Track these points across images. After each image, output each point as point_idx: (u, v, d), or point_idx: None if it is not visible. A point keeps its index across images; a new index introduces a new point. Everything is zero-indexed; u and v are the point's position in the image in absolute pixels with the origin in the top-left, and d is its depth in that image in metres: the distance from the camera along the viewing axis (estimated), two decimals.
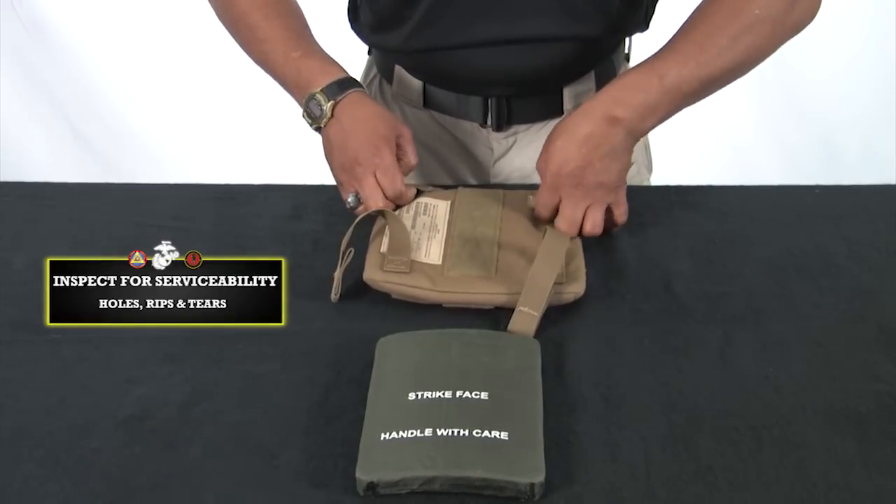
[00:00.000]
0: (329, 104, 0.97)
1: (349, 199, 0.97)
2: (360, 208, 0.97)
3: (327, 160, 1.00)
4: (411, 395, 0.76)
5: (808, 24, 0.97)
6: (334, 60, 1.02)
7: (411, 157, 0.99)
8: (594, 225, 0.94)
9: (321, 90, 0.98)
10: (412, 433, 0.73)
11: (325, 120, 0.98)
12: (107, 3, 2.24)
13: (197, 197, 1.10)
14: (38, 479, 0.74)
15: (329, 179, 1.02)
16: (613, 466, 0.73)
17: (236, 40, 1.07)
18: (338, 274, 0.91)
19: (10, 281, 0.96)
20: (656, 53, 0.93)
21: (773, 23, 0.92)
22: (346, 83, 0.99)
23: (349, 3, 1.14)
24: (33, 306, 0.92)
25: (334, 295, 0.91)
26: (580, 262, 0.92)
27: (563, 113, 1.11)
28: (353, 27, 1.14)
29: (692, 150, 2.16)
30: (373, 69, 1.20)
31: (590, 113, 0.91)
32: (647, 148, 1.24)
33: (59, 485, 0.73)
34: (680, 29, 0.94)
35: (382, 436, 0.73)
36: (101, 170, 2.35)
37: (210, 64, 2.23)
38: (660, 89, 0.90)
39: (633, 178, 1.21)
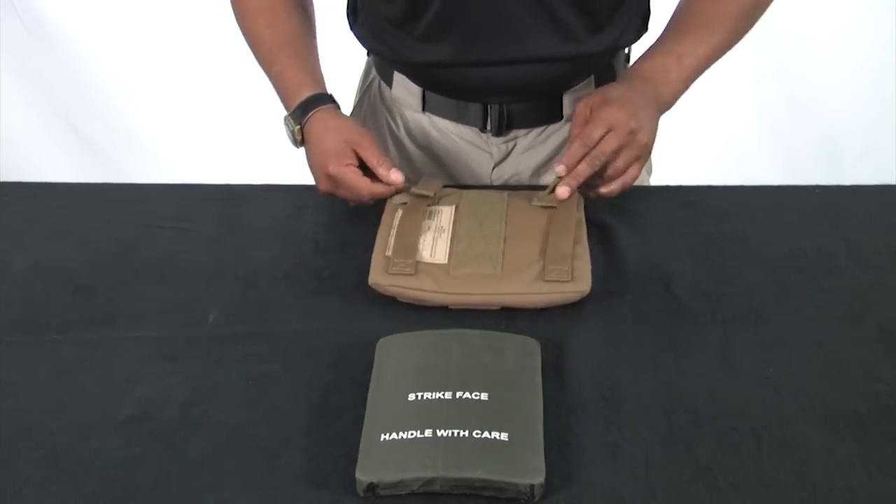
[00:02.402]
0: (297, 129, 1.02)
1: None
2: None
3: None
4: (411, 396, 0.76)
5: None
6: (308, 73, 1.04)
7: (373, 162, 0.98)
8: (633, 179, 0.97)
9: (289, 115, 1.02)
10: (412, 434, 0.73)
11: (297, 143, 1.03)
12: (107, 3, 2.24)
13: (197, 197, 1.10)
14: (38, 479, 0.74)
15: None
16: (613, 467, 0.73)
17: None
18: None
19: (10, 281, 0.96)
20: (664, 34, 1.02)
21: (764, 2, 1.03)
22: (310, 103, 1.02)
23: (348, 5, 1.13)
24: (33, 307, 0.93)
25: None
26: (585, 261, 0.91)
27: (562, 118, 1.11)
28: (352, 29, 1.14)
29: (692, 150, 2.16)
30: (372, 71, 1.19)
31: (630, 87, 0.98)
32: None
33: (59, 485, 0.73)
34: (681, 7, 1.03)
35: (382, 436, 0.73)
36: (101, 170, 2.35)
37: (210, 64, 2.23)
38: (678, 67, 1.00)
39: None
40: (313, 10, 1.11)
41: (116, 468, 0.74)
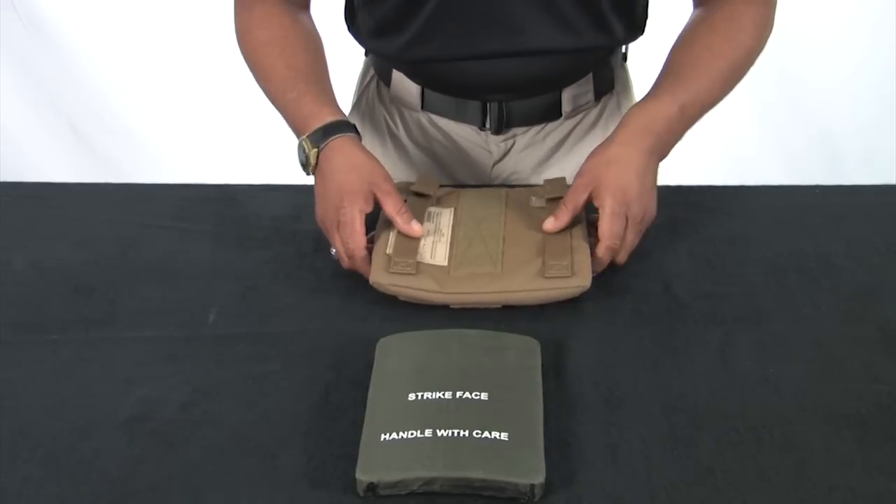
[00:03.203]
0: (313, 152, 0.95)
1: (332, 251, 0.95)
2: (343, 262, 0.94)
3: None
4: (411, 396, 0.76)
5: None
6: (329, 100, 0.99)
7: (391, 210, 0.93)
8: (627, 252, 0.94)
9: (307, 137, 0.96)
10: (412, 434, 0.73)
11: (310, 168, 0.96)
12: (107, 2, 2.24)
13: (197, 197, 1.10)
14: (38, 479, 0.74)
15: None
16: (614, 467, 0.73)
17: (248, 69, 1.06)
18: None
19: (11, 281, 0.96)
20: (667, 80, 0.98)
21: (755, 50, 1.01)
22: (333, 128, 0.95)
23: (346, 5, 1.13)
24: (33, 307, 0.93)
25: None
26: (585, 256, 0.91)
27: (561, 115, 1.11)
28: (349, 30, 1.13)
29: (692, 150, 2.15)
30: (370, 71, 1.19)
31: (630, 142, 0.94)
32: None
33: (59, 486, 0.73)
34: (679, 52, 1.00)
35: (382, 436, 0.73)
36: (101, 170, 2.35)
37: (210, 64, 2.23)
38: (680, 118, 0.96)
39: None
40: (322, 44, 1.08)
41: (116, 468, 0.74)
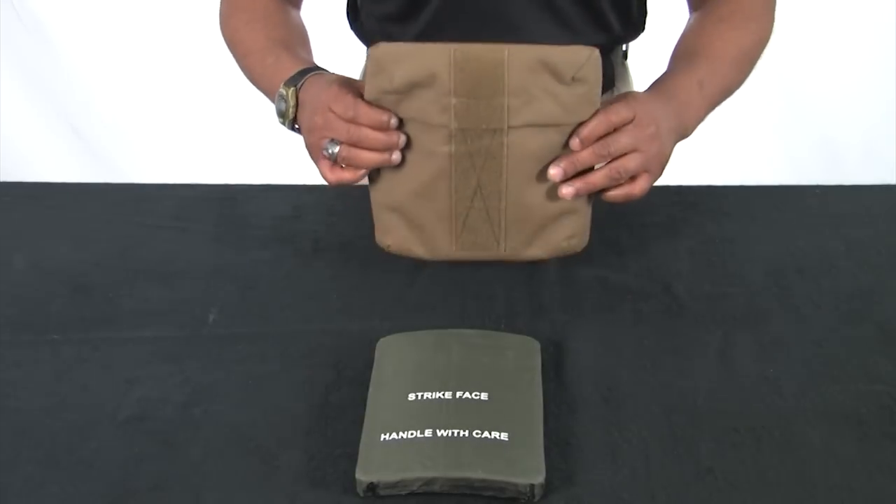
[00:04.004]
0: (291, 91, 0.90)
1: (327, 148, 0.87)
2: (341, 152, 0.86)
3: (306, 147, 0.92)
4: (411, 396, 0.76)
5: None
6: (309, 60, 0.97)
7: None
8: (641, 192, 0.88)
9: (283, 84, 0.92)
10: (412, 434, 0.73)
11: (291, 109, 0.91)
12: (107, 2, 2.24)
13: (197, 197, 1.10)
14: (38, 479, 0.74)
15: None
16: (613, 467, 0.73)
17: (231, 54, 1.05)
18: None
19: (10, 281, 0.96)
20: (680, 60, 0.97)
21: (764, 41, 1.01)
22: (309, 70, 0.92)
23: (348, 2, 1.14)
24: (33, 307, 0.93)
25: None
26: (585, 217, 0.90)
27: None
28: (352, 26, 1.14)
29: (692, 150, 2.15)
30: None
31: (660, 104, 0.89)
32: None
33: (59, 485, 0.73)
34: (688, 38, 0.99)
35: (382, 436, 0.73)
36: (101, 170, 2.35)
37: (210, 64, 2.22)
38: (699, 93, 0.93)
39: None
40: (306, 30, 1.08)
41: (116, 468, 0.74)
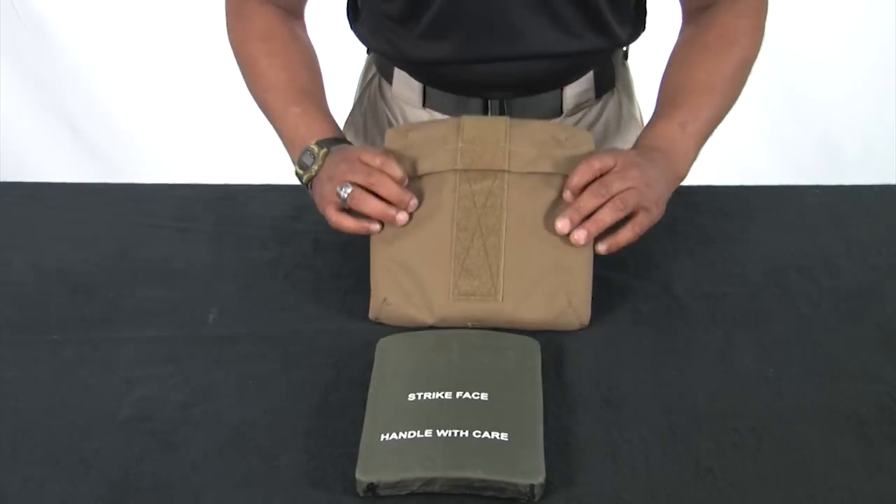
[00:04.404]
0: (322, 152, 0.95)
1: (341, 191, 0.89)
2: (354, 193, 0.89)
3: (316, 201, 0.95)
4: (411, 396, 0.76)
5: None
6: (332, 119, 1.02)
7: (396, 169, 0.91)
8: (627, 240, 0.90)
9: (316, 142, 0.96)
10: (412, 434, 0.73)
11: (315, 166, 0.95)
12: (107, 2, 2.24)
13: (197, 197, 1.10)
14: (38, 479, 0.74)
15: None
16: (613, 467, 0.73)
17: (243, 76, 1.07)
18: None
19: (10, 281, 0.96)
20: (663, 106, 0.99)
21: (751, 60, 1.02)
22: (341, 141, 0.99)
23: (348, 3, 1.14)
24: (33, 307, 0.93)
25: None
26: (586, 290, 0.89)
27: (562, 112, 1.11)
28: (352, 27, 1.14)
29: None
30: (372, 68, 1.20)
31: (645, 154, 0.93)
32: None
33: (59, 485, 0.73)
34: (673, 74, 1.01)
35: (382, 437, 0.73)
36: (101, 170, 2.35)
37: (210, 64, 2.22)
38: (682, 134, 0.96)
39: None
40: (317, 59, 1.09)
41: (116, 468, 0.74)
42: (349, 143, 1.00)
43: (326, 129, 0.99)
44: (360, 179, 0.90)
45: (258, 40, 1.05)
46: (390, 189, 0.89)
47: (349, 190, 0.89)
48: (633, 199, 0.88)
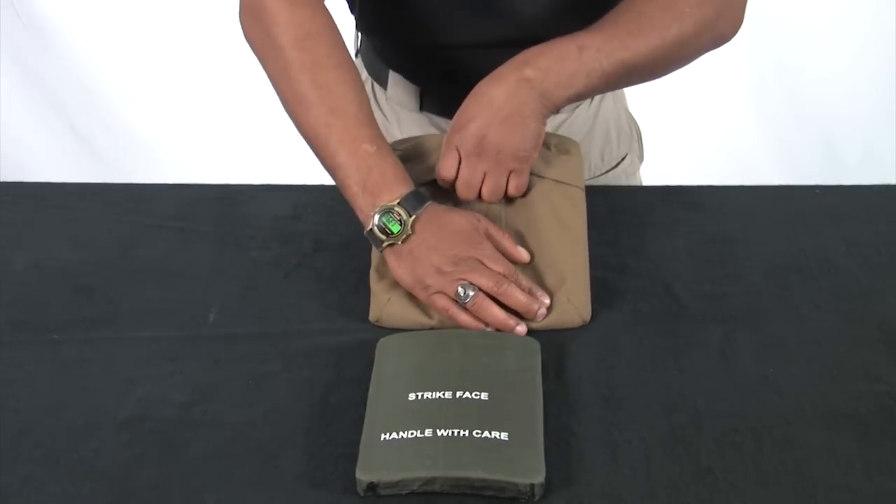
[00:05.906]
0: (411, 220, 0.86)
1: (462, 292, 0.84)
2: (478, 300, 0.85)
3: (397, 273, 0.88)
4: (411, 396, 0.76)
5: (729, 40, 0.95)
6: (399, 160, 0.90)
7: (507, 244, 0.90)
8: (491, 191, 0.91)
9: (399, 203, 0.86)
10: (412, 434, 0.73)
11: (404, 236, 0.86)
12: (107, 2, 2.24)
13: (197, 197, 1.10)
14: (38, 479, 0.74)
15: (329, 180, 1.01)
16: (613, 467, 0.73)
17: (277, 92, 0.94)
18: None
19: (10, 281, 0.96)
20: (582, 30, 0.91)
21: (699, 25, 0.91)
22: (421, 195, 0.88)
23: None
24: (33, 307, 0.93)
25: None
26: (584, 285, 0.90)
27: (558, 111, 1.11)
28: (352, 12, 1.13)
29: (692, 150, 2.16)
30: (363, 73, 1.18)
31: (499, 75, 0.89)
32: (639, 137, 1.24)
33: (60, 485, 0.73)
34: (610, 12, 0.92)
35: (382, 436, 0.73)
36: (101, 170, 2.35)
37: (210, 64, 2.23)
38: (577, 58, 0.87)
39: (626, 167, 1.21)
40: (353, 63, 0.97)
41: (116, 468, 0.74)
42: (423, 193, 0.89)
43: (401, 179, 0.88)
44: (485, 286, 0.85)
45: (324, 42, 0.93)
46: (518, 300, 0.86)
47: (472, 294, 0.84)
48: (495, 177, 0.90)
